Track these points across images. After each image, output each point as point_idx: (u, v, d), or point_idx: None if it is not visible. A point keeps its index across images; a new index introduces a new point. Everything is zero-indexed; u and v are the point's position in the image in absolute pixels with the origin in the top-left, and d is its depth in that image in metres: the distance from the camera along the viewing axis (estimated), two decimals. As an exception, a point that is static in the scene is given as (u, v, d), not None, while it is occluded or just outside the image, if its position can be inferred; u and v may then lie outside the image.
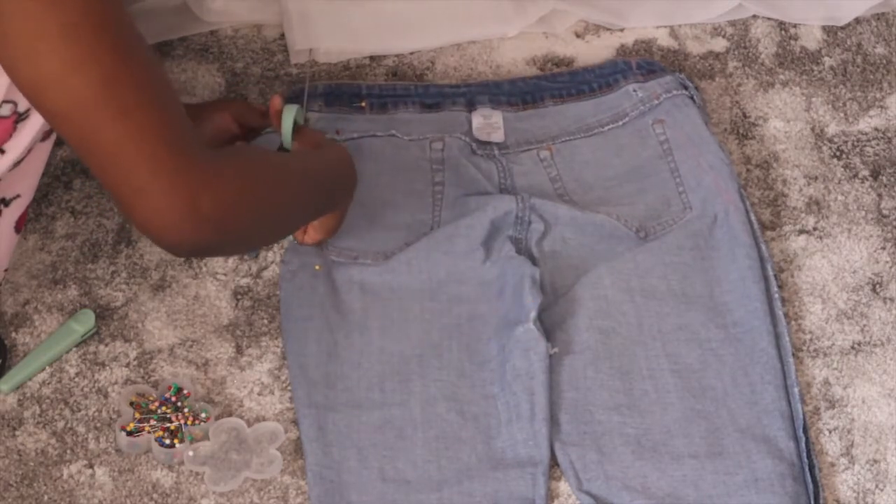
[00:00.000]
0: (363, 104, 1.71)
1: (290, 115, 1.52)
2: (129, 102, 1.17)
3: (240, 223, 1.25)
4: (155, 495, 1.45)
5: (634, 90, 1.73)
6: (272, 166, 1.34)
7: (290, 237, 1.60)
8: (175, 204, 1.20)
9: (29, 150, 1.34)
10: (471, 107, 1.72)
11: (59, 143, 1.69)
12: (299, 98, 1.68)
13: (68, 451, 1.47)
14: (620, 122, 1.72)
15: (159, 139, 1.19)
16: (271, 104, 1.54)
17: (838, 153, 1.74)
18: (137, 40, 1.19)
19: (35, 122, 1.31)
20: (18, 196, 1.41)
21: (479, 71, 1.80)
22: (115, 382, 1.52)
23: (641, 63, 1.76)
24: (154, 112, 1.19)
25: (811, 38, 1.86)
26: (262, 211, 1.29)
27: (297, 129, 1.53)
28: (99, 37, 1.15)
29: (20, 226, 1.44)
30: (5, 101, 1.27)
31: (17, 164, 1.34)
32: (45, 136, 1.35)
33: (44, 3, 1.13)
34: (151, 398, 1.49)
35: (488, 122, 1.70)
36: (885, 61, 1.83)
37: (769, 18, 1.87)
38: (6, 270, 1.50)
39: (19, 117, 1.30)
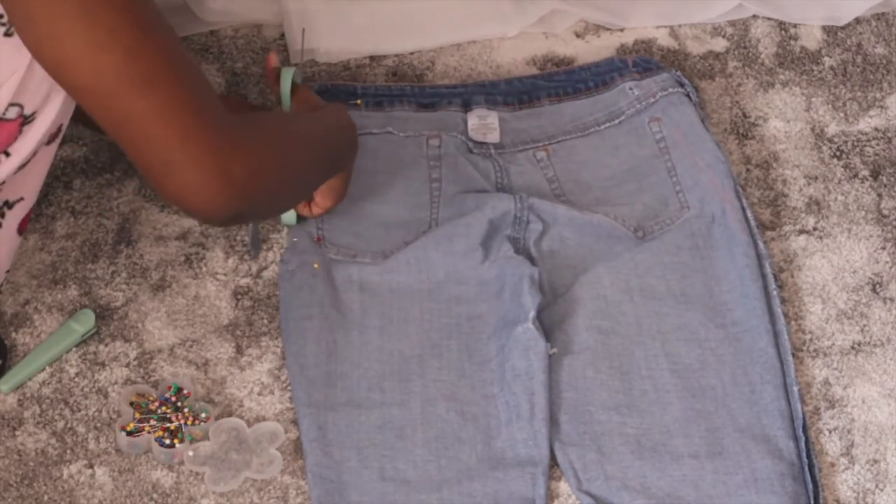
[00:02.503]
0: (359, 102, 1.71)
1: (288, 76, 1.56)
2: (152, 76, 1.20)
3: (269, 187, 1.28)
4: (155, 495, 1.45)
5: (631, 88, 1.73)
6: (291, 129, 1.37)
7: (292, 238, 1.61)
8: (207, 174, 1.22)
9: (34, 154, 1.34)
10: (467, 107, 1.72)
11: (59, 144, 1.69)
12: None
13: (68, 451, 1.47)
14: (617, 121, 1.71)
15: (185, 110, 1.21)
16: (267, 60, 1.58)
17: (838, 153, 1.74)
18: (157, 16, 1.22)
19: (40, 126, 1.32)
20: (22, 199, 1.41)
21: (478, 71, 1.80)
22: (115, 382, 1.52)
23: (638, 61, 1.75)
24: (178, 84, 1.21)
25: (811, 38, 1.86)
26: (287, 173, 1.32)
27: (293, 89, 1.57)
28: (118, 14, 1.18)
29: (23, 228, 1.44)
30: (11, 105, 1.28)
31: (22, 167, 1.34)
32: (49, 140, 1.36)
33: None
34: (151, 398, 1.49)
35: (484, 123, 1.70)
36: (885, 61, 1.83)
37: (769, 18, 1.87)
38: (7, 272, 1.50)
39: (25, 120, 1.30)
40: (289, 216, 1.58)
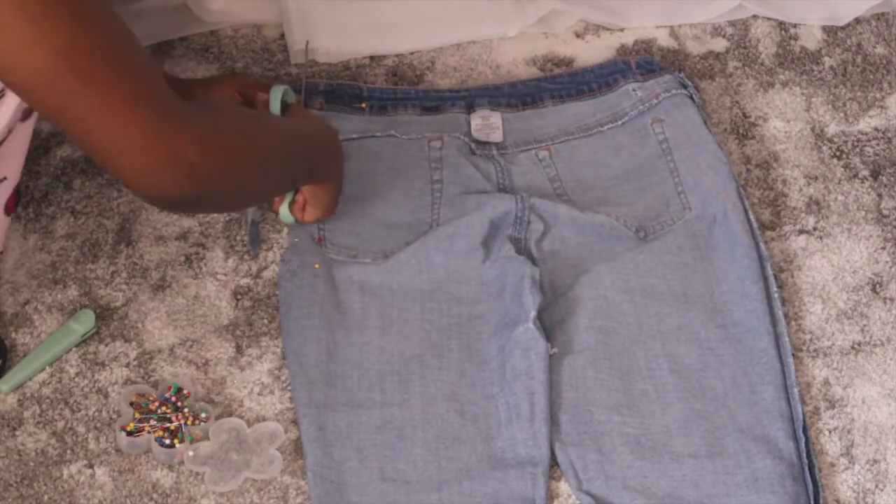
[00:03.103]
0: (363, 105, 1.71)
1: (277, 93, 1.57)
2: (88, 69, 1.19)
3: (224, 173, 1.29)
4: (155, 495, 1.45)
5: (634, 90, 1.73)
6: (255, 120, 1.39)
7: (293, 238, 1.61)
8: (156, 156, 1.23)
9: (9, 131, 1.34)
10: (470, 109, 1.72)
11: (58, 144, 1.69)
12: (298, 90, 1.70)
13: (68, 451, 1.47)
14: (619, 122, 1.72)
15: (128, 98, 1.21)
16: (258, 100, 1.58)
17: (838, 153, 1.74)
18: (94, 9, 1.21)
19: (11, 102, 1.32)
20: (5, 178, 1.41)
21: (478, 71, 1.80)
22: (115, 382, 1.52)
23: (641, 62, 1.76)
24: (118, 74, 1.21)
25: (811, 38, 1.86)
26: (247, 160, 1.33)
27: (285, 108, 1.57)
28: (50, 10, 1.17)
29: (10, 208, 1.45)
30: None
31: None
32: (25, 117, 1.36)
33: None
34: (151, 398, 1.49)
35: (486, 123, 1.70)
36: (885, 61, 1.83)
37: (769, 18, 1.87)
38: (1, 252, 1.50)
39: None
40: (287, 215, 1.58)
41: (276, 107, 1.56)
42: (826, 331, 1.59)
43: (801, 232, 1.67)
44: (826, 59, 1.83)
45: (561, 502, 1.46)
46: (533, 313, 1.52)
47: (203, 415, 1.48)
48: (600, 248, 1.61)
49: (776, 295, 1.57)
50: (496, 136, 1.70)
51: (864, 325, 1.59)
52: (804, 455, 1.46)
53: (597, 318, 1.55)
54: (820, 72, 1.82)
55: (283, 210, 1.58)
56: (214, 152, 1.27)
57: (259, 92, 1.59)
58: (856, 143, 1.75)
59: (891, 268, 1.64)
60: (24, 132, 1.38)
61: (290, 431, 1.49)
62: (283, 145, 1.43)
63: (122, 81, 1.21)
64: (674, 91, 1.72)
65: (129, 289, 1.59)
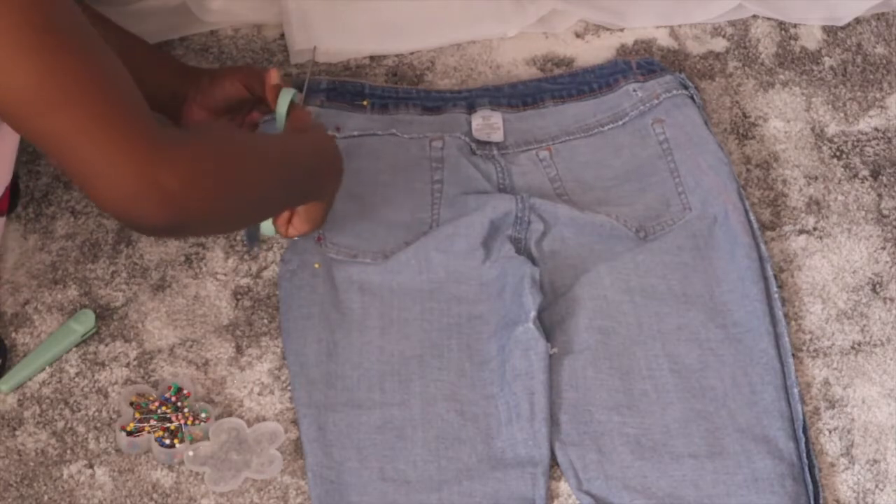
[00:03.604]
0: (365, 103, 1.71)
1: (286, 98, 1.54)
2: (68, 93, 1.18)
3: (207, 199, 1.25)
4: (155, 495, 1.45)
5: (634, 90, 1.73)
6: (242, 144, 1.34)
7: (293, 238, 1.60)
8: (134, 183, 1.20)
9: None
10: (471, 109, 1.72)
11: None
12: (301, 86, 1.69)
13: (68, 451, 1.47)
14: (620, 122, 1.72)
15: (107, 123, 1.19)
16: (267, 77, 1.56)
17: (838, 153, 1.74)
18: (76, 29, 1.20)
19: None
20: None
21: (478, 71, 1.80)
22: (115, 382, 1.52)
23: (641, 63, 1.76)
24: (98, 98, 1.19)
25: (811, 38, 1.86)
26: (229, 189, 1.29)
27: (291, 111, 1.54)
28: (30, 34, 1.16)
29: (3, 208, 1.44)
30: None
31: None
32: None
33: None
34: (151, 398, 1.49)
35: (487, 123, 1.70)
36: (885, 61, 1.83)
37: (769, 18, 1.87)
38: None
39: None
40: (269, 228, 1.54)
41: (282, 111, 1.54)
42: (826, 331, 1.59)
43: (801, 232, 1.67)
44: (826, 59, 1.83)
45: (561, 502, 1.46)
46: (533, 313, 1.52)
47: (203, 415, 1.48)
48: (600, 248, 1.61)
49: (776, 295, 1.57)
50: (497, 136, 1.70)
51: (864, 325, 1.59)
52: (804, 455, 1.46)
53: (597, 318, 1.55)
54: (820, 72, 1.82)
55: (265, 223, 1.53)
56: (196, 181, 1.23)
57: (269, 76, 1.57)
58: (856, 143, 1.75)
59: (891, 268, 1.64)
60: (14, 134, 1.38)
61: (290, 431, 1.49)
62: (274, 170, 1.38)
63: (102, 105, 1.20)
64: (674, 91, 1.72)
65: (129, 289, 1.59)
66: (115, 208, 1.22)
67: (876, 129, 1.76)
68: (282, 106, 1.54)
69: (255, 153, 1.34)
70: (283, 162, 1.40)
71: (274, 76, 1.56)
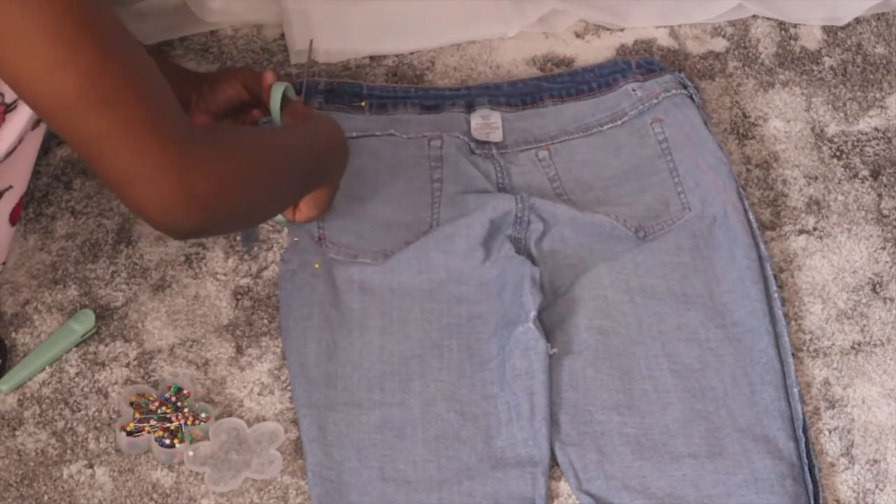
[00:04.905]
0: (363, 104, 1.71)
1: (278, 91, 1.55)
2: (111, 95, 1.19)
3: (234, 202, 1.28)
4: (155, 495, 1.45)
5: (633, 89, 1.73)
6: (260, 143, 1.36)
7: (293, 237, 1.60)
8: (167, 190, 1.22)
9: (20, 140, 1.34)
10: (470, 108, 1.72)
11: (59, 143, 1.69)
12: (299, 86, 1.69)
13: (68, 451, 1.47)
14: (619, 122, 1.72)
15: (145, 127, 1.21)
16: (263, 77, 1.58)
17: (838, 153, 1.74)
18: (119, 34, 1.21)
19: (24, 112, 1.32)
20: (11, 187, 1.41)
21: (478, 71, 1.80)
22: (115, 382, 1.52)
23: (641, 62, 1.76)
24: (138, 101, 1.21)
25: (811, 38, 1.86)
26: (254, 188, 1.32)
27: (286, 105, 1.55)
28: (79, 34, 1.17)
29: (14, 218, 1.44)
30: None
31: (8, 154, 1.34)
32: (35, 125, 1.36)
33: (22, 3, 1.15)
34: (151, 398, 1.49)
35: (487, 122, 1.70)
36: (885, 61, 1.83)
37: (769, 18, 1.87)
38: (3, 264, 1.50)
39: (7, 108, 1.30)
40: (279, 216, 1.57)
41: (276, 105, 1.56)
42: (826, 331, 1.59)
43: (801, 232, 1.67)
44: (826, 59, 1.83)
45: (561, 502, 1.46)
46: (533, 313, 1.52)
47: (203, 415, 1.48)
48: (600, 248, 1.61)
49: (776, 295, 1.57)
50: (496, 136, 1.70)
51: (864, 325, 1.59)
52: (804, 455, 1.46)
53: (596, 318, 1.55)
54: (820, 72, 1.82)
55: None
56: (225, 184, 1.26)
57: (265, 76, 1.58)
58: (856, 143, 1.75)
59: (891, 268, 1.64)
60: (34, 140, 1.38)
61: (290, 431, 1.49)
62: (290, 161, 1.42)
63: (144, 106, 1.21)
64: (674, 91, 1.72)
65: (129, 289, 1.59)
66: (151, 213, 1.24)
67: (876, 129, 1.76)
68: (275, 100, 1.55)
69: (271, 149, 1.37)
70: (295, 154, 1.44)
71: (269, 77, 1.58)
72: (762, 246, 1.60)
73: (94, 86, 1.19)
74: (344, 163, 1.55)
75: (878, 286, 1.63)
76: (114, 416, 1.50)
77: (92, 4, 1.18)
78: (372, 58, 1.81)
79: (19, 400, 1.51)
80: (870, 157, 1.74)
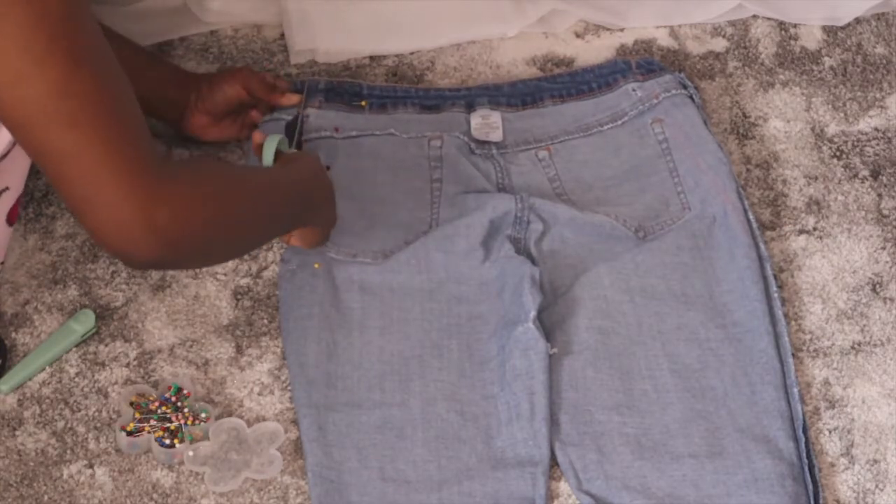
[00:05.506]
0: (363, 103, 1.71)
1: (271, 146, 1.49)
2: (77, 114, 1.16)
3: (198, 237, 1.24)
4: (155, 495, 1.45)
5: (633, 90, 1.73)
6: (232, 180, 1.32)
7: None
8: (125, 216, 1.18)
9: (13, 144, 1.33)
10: (470, 108, 1.72)
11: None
12: (301, 92, 1.69)
13: (68, 451, 1.47)
14: (619, 122, 1.72)
15: (110, 150, 1.17)
16: (253, 137, 1.53)
17: (838, 153, 1.74)
18: (93, 51, 1.18)
19: None
20: (7, 189, 1.40)
21: (478, 71, 1.80)
22: (115, 382, 1.52)
23: (641, 62, 1.76)
24: (106, 123, 1.17)
25: (811, 38, 1.86)
26: (221, 225, 1.27)
27: (279, 157, 1.50)
28: (49, 48, 1.14)
29: (12, 219, 1.44)
30: None
31: (4, 156, 1.34)
32: None
33: None
34: (151, 398, 1.49)
35: (487, 122, 1.70)
36: (885, 61, 1.83)
37: (769, 18, 1.87)
38: (2, 263, 1.50)
39: None
40: None
41: (269, 159, 1.49)
42: (826, 331, 1.59)
43: (801, 232, 1.67)
44: (826, 59, 1.83)
45: (561, 502, 1.46)
46: (533, 313, 1.52)
47: (203, 415, 1.48)
48: (600, 248, 1.61)
49: (776, 295, 1.57)
50: (496, 136, 1.70)
51: (864, 325, 1.59)
52: (804, 455, 1.46)
53: (596, 318, 1.55)
54: (820, 72, 1.82)
55: None
56: (188, 220, 1.21)
57: (254, 138, 1.53)
58: (856, 143, 1.75)
59: (891, 268, 1.64)
60: None
61: (290, 431, 1.49)
62: (265, 202, 1.36)
63: (111, 130, 1.17)
64: (674, 91, 1.72)
65: (129, 289, 1.59)
66: (106, 240, 1.20)
67: (876, 129, 1.76)
68: (268, 152, 1.49)
69: (245, 189, 1.32)
70: (276, 192, 1.39)
71: (258, 137, 1.52)
72: (762, 246, 1.60)
73: (57, 104, 1.15)
74: (330, 209, 1.52)
75: (878, 286, 1.63)
76: (114, 416, 1.50)
77: (69, 16, 1.15)
78: (372, 58, 1.82)
79: (19, 400, 1.51)
80: (870, 157, 1.74)
